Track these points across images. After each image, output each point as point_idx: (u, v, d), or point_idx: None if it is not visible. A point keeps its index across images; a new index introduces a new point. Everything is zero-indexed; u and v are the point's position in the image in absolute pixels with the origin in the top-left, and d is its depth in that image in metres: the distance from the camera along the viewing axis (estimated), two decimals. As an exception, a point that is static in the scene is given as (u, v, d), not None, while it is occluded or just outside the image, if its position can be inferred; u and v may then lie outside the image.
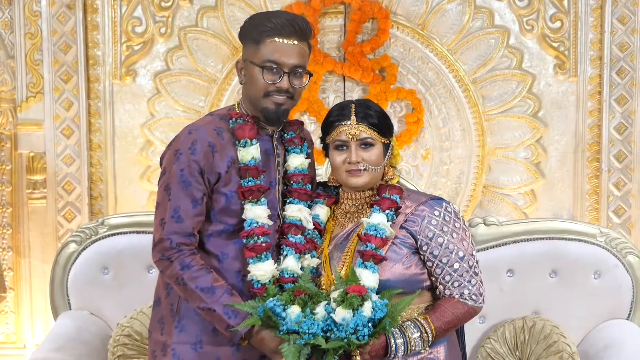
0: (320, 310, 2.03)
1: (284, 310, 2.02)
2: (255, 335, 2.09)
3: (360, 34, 3.17)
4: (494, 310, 2.85)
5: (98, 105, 3.25)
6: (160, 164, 2.23)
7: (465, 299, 2.20)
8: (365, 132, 2.21)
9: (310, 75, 2.26)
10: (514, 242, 2.91)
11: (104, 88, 3.22)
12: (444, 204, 2.25)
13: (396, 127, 3.17)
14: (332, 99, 3.41)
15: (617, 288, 2.91)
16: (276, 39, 2.15)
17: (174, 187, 2.13)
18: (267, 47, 2.15)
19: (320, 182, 2.44)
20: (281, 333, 2.01)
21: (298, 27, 2.16)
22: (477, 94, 3.17)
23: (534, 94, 3.19)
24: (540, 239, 2.93)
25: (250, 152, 2.17)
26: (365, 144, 2.22)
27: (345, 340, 1.97)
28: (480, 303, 2.23)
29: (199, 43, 3.42)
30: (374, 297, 2.07)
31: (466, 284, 2.20)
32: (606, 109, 3.08)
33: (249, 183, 2.15)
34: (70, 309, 2.93)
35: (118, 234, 3.00)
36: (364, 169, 2.22)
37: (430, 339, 2.14)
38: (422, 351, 2.14)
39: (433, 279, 2.22)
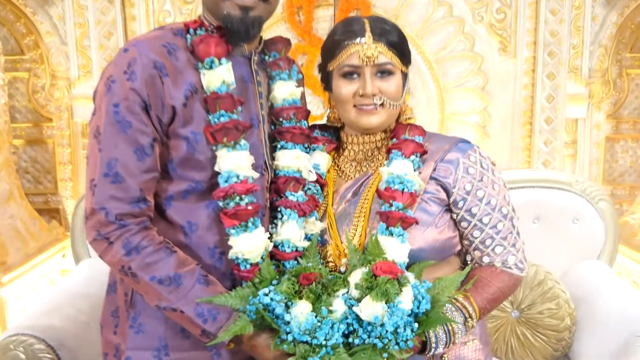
0: (339, 304, 0.95)
1: (287, 308, 0.94)
2: (246, 341, 1.00)
3: None
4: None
5: None
6: (94, 102, 1.06)
7: (510, 267, 1.15)
8: (385, 54, 1.11)
9: None
10: (499, 190, 1.99)
11: None
12: (475, 147, 1.18)
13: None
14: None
15: (591, 232, 2.03)
16: None
17: (106, 130, 0.97)
18: None
19: (314, 123, 1.27)
20: (284, 344, 0.94)
21: None
22: (438, 72, 2.81)
23: (483, 71, 2.80)
24: (522, 187, 2.04)
25: (219, 75, 1.02)
26: (383, 72, 1.12)
27: (385, 354, 0.93)
28: (526, 272, 1.18)
29: None
30: (412, 279, 1.03)
31: (510, 248, 1.15)
32: (539, 83, 2.78)
33: (222, 118, 1.01)
34: (90, 257, 2.09)
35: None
36: (381, 104, 1.12)
37: (474, 324, 1.11)
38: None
39: (466, 242, 1.17)
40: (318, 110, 2.67)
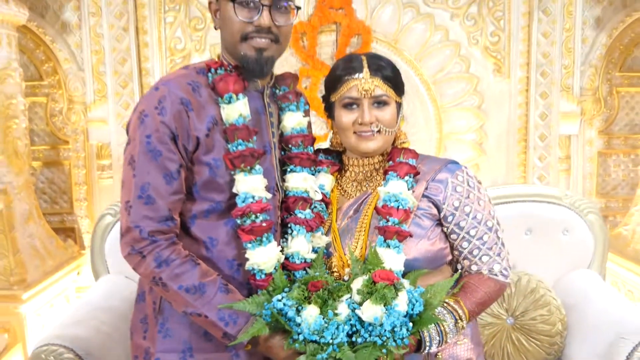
0: (343, 308, 1.11)
1: (298, 312, 1.10)
2: (262, 342, 1.15)
3: (349, 46, 2.92)
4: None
5: None
6: (127, 133, 1.22)
7: (496, 274, 1.31)
8: (380, 87, 1.28)
9: (298, 9, 1.25)
10: (493, 204, 2.14)
11: None
12: (463, 167, 1.35)
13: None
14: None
15: (581, 242, 2.18)
16: None
17: (140, 158, 1.14)
18: None
19: (319, 147, 1.43)
20: (296, 343, 1.09)
21: None
22: (436, 92, 2.96)
23: (478, 91, 2.97)
24: (515, 201, 2.19)
25: (236, 109, 1.18)
26: (379, 102, 1.29)
27: (384, 349, 1.08)
28: (510, 278, 1.34)
29: None
30: (407, 285, 1.19)
31: (496, 257, 1.31)
32: (532, 102, 2.94)
33: (239, 147, 1.18)
34: (108, 273, 2.26)
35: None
36: (378, 131, 1.28)
37: (464, 326, 1.26)
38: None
39: (456, 253, 1.33)
40: (321, 131, 2.84)
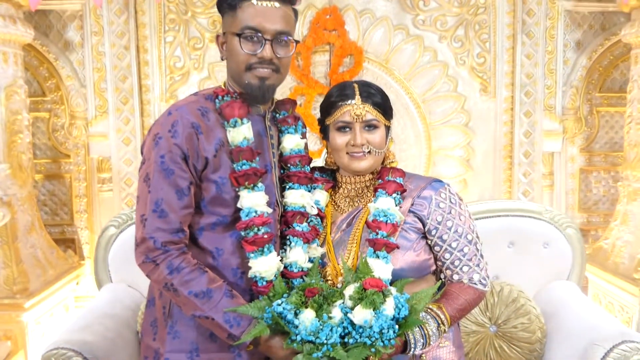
0: (336, 312, 1.24)
1: (296, 315, 1.23)
2: (263, 343, 1.29)
3: (342, 66, 3.09)
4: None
5: (149, 121, 3.08)
6: (142, 153, 1.37)
7: (475, 283, 1.46)
8: (371, 112, 1.43)
9: (297, 42, 1.40)
10: (477, 219, 2.26)
11: (154, 108, 3.09)
12: (446, 185, 1.50)
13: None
14: (321, 116, 3.05)
15: (560, 255, 2.33)
16: (254, 1, 1.32)
17: (155, 176, 1.28)
18: (245, 12, 1.33)
19: (315, 166, 1.58)
20: (294, 343, 1.23)
21: None
22: (425, 110, 3.12)
23: (466, 110, 3.14)
24: (498, 216, 2.33)
25: (241, 132, 1.33)
26: (370, 126, 1.44)
27: (373, 349, 1.22)
28: (488, 287, 1.49)
29: (223, 74, 3.12)
30: (394, 291, 1.33)
31: (475, 268, 1.47)
32: (517, 120, 3.11)
33: (243, 166, 1.32)
34: (111, 282, 2.40)
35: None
36: (368, 152, 1.44)
37: (446, 330, 1.41)
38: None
39: (439, 263, 1.47)
40: (315, 146, 2.99)
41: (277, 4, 1.34)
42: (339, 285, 1.37)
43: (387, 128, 1.49)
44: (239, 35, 1.33)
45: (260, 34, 1.33)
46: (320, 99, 2.99)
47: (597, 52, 3.16)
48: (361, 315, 1.22)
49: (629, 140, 2.91)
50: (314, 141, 3.00)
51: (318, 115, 1.53)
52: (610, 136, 3.26)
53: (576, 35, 3.15)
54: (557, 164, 3.23)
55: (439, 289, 1.43)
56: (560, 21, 3.09)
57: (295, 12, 1.43)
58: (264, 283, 1.32)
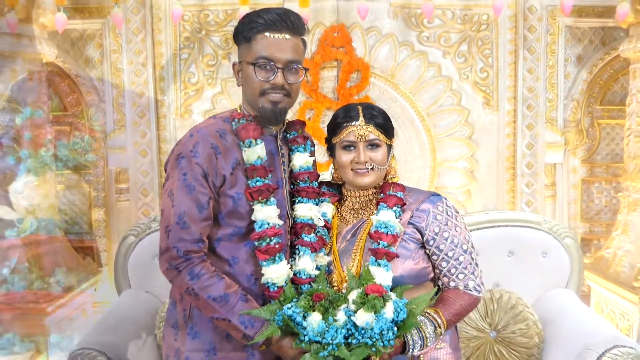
0: (341, 315, 1.39)
1: (304, 318, 1.38)
2: (274, 343, 1.44)
3: (349, 81, 3.24)
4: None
5: (165, 135, 3.32)
6: (165, 170, 1.54)
7: (470, 290, 1.60)
8: (373, 133, 1.59)
9: (306, 70, 1.57)
10: (478, 229, 2.42)
11: (169, 122, 3.30)
12: (443, 199, 1.65)
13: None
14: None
15: (558, 264, 2.45)
16: (267, 34, 1.48)
17: (178, 192, 1.44)
18: (259, 44, 1.49)
19: (322, 181, 1.73)
20: (302, 343, 1.38)
21: (290, 22, 1.50)
22: (430, 123, 3.26)
23: (469, 123, 3.27)
24: (499, 226, 2.46)
25: (255, 152, 1.50)
26: (372, 145, 1.60)
27: (373, 348, 1.37)
28: (482, 293, 1.63)
29: (235, 89, 3.28)
30: (393, 296, 1.48)
31: (470, 275, 1.61)
32: (520, 133, 3.24)
33: (257, 183, 1.48)
34: (130, 288, 2.54)
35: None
36: (371, 168, 1.59)
37: (443, 332, 1.55)
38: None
39: (437, 271, 1.61)
40: (324, 158, 3.15)
41: (287, 36, 1.51)
42: (344, 291, 1.52)
43: (389, 146, 1.65)
44: (253, 64, 1.50)
45: (273, 63, 1.49)
46: (328, 113, 3.25)
47: (597, 66, 3.29)
48: (363, 318, 1.37)
49: (629, 152, 3.04)
50: (322, 154, 3.15)
51: (326, 130, 1.69)
52: (612, 148, 3.38)
53: (577, 50, 3.28)
54: (559, 175, 3.35)
55: (436, 294, 1.58)
56: (561, 36, 3.22)
57: (304, 42, 1.59)
58: (275, 288, 1.48)
